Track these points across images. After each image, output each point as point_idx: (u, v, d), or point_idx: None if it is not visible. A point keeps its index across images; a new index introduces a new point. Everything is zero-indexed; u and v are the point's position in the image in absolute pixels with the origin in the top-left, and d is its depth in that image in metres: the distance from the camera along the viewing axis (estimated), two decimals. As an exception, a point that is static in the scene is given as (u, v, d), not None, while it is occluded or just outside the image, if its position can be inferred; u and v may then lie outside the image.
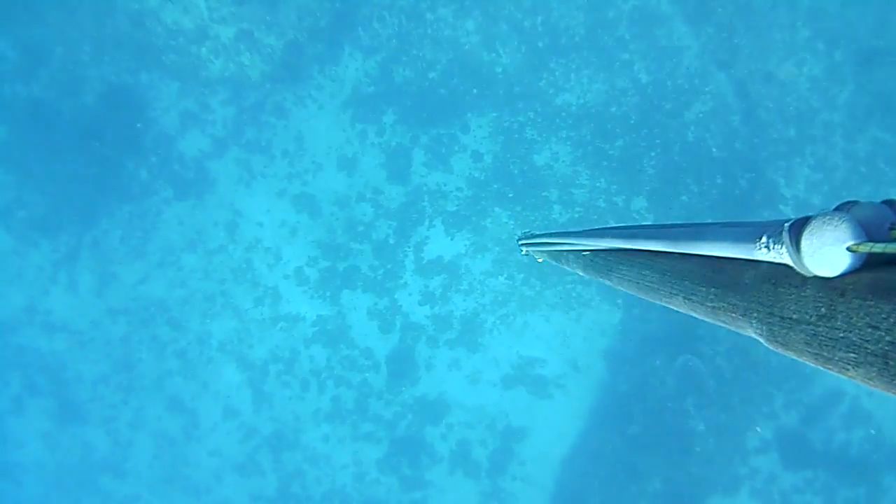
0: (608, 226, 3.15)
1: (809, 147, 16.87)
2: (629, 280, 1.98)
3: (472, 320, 17.43)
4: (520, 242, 3.59)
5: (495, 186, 17.48)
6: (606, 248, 2.21)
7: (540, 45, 17.55)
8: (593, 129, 17.29)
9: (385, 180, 17.77)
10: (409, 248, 17.64)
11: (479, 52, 17.59)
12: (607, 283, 2.32)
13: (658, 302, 1.87)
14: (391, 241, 17.69)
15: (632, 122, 17.24)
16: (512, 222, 17.36)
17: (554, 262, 3.19)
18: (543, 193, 17.26)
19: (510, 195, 17.41)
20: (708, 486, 16.54)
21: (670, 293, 1.67)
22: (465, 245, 17.53)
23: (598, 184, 17.23)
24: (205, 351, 18.28)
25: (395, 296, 17.62)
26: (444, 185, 17.64)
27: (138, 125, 18.26)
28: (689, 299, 1.57)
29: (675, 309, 1.73)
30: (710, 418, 16.37)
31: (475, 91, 17.57)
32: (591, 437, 16.96)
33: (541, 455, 17.31)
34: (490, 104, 17.56)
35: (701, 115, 17.16)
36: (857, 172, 16.81)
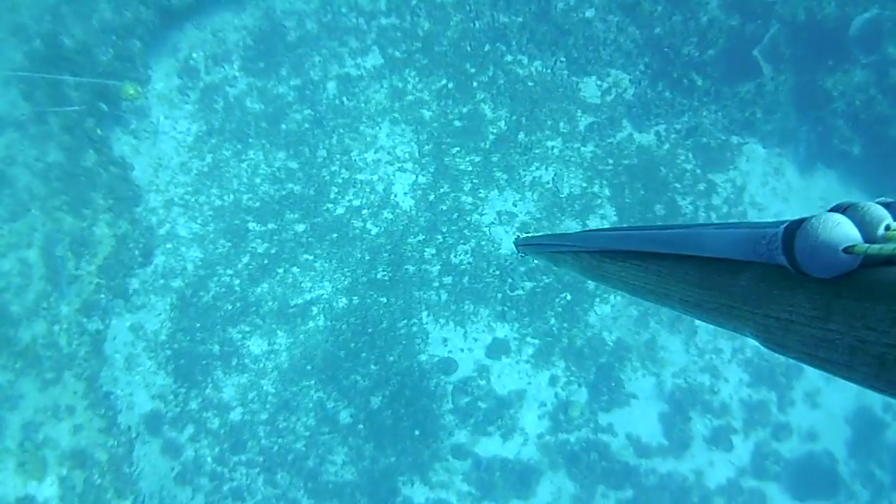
0: (603, 228, 3.16)
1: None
2: (625, 282, 1.92)
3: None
4: (517, 245, 3.36)
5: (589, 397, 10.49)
6: (602, 249, 2.16)
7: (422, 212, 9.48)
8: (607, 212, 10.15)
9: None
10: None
11: (368, 303, 9.40)
12: (604, 285, 2.16)
13: (655, 304, 1.78)
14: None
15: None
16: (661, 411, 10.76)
17: (552, 265, 2.99)
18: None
19: (604, 395, 10.47)
20: None
21: (666, 295, 1.65)
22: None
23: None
24: None
25: None
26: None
27: None
28: (684, 301, 1.55)
29: (671, 311, 1.64)
30: None
31: (422, 358, 9.88)
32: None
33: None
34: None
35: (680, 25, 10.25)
36: None
